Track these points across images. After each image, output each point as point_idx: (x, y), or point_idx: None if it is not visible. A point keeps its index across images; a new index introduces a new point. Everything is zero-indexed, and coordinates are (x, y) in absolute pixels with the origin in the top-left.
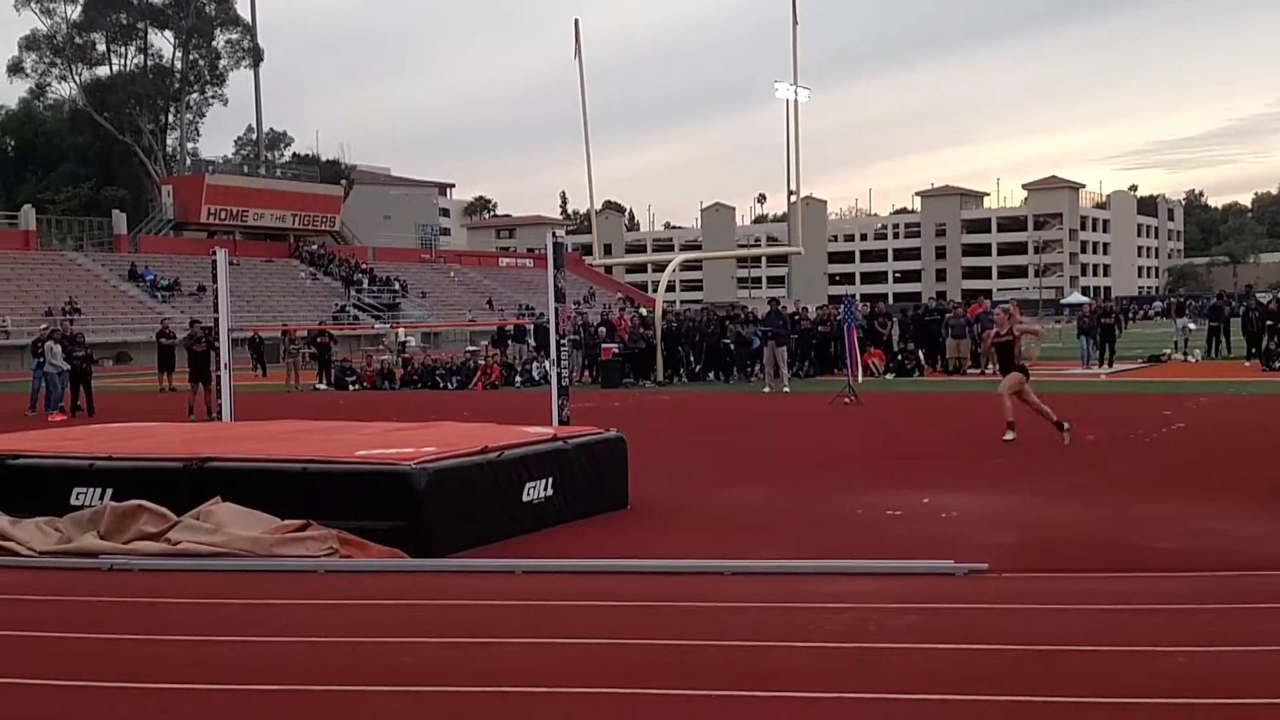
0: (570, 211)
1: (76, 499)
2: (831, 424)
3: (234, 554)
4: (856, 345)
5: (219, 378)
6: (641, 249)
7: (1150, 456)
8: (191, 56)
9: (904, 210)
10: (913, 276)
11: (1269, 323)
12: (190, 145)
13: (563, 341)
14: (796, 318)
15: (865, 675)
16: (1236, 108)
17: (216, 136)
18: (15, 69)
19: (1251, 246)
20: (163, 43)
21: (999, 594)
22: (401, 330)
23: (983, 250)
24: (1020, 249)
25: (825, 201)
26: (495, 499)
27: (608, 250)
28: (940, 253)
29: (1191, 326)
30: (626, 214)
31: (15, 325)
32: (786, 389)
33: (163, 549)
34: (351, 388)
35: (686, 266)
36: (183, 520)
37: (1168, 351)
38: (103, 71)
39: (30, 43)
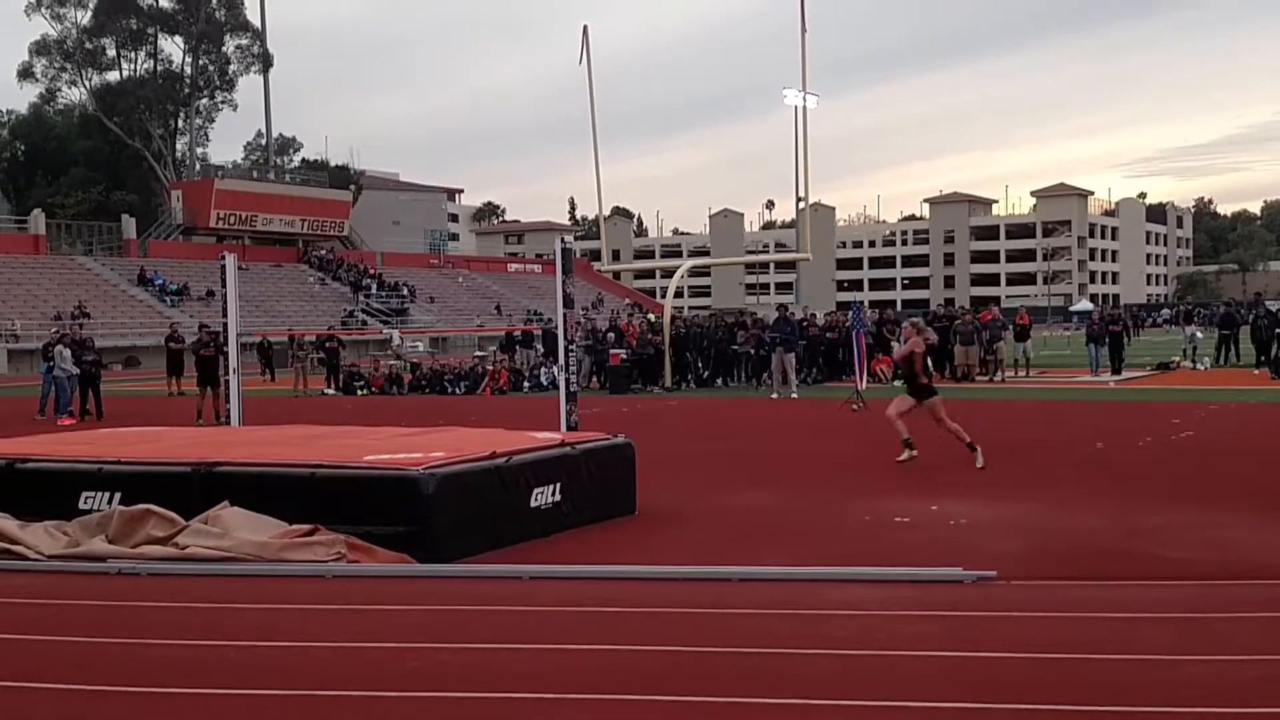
0: (579, 217)
1: (85, 503)
2: (839, 430)
3: (242, 559)
4: (865, 352)
5: (227, 382)
6: (650, 255)
7: (1159, 464)
8: (201, 62)
9: (912, 217)
10: (921, 283)
11: (1278, 331)
12: (200, 150)
13: (571, 346)
14: (804, 324)
15: (874, 682)
16: (1246, 115)
17: (226, 142)
18: (26, 74)
19: (1261, 254)
20: (173, 48)
21: (1008, 602)
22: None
23: (991, 257)
24: (1029, 256)
25: (834, 208)
26: (503, 504)
27: (616, 256)
28: (949, 260)
29: (1200, 334)
30: (635, 220)
31: (25, 329)
32: (794, 395)
33: (171, 553)
34: (360, 393)
35: (695, 272)
36: (191, 525)
37: (1176, 359)
38: (113, 76)
39: (41, 48)
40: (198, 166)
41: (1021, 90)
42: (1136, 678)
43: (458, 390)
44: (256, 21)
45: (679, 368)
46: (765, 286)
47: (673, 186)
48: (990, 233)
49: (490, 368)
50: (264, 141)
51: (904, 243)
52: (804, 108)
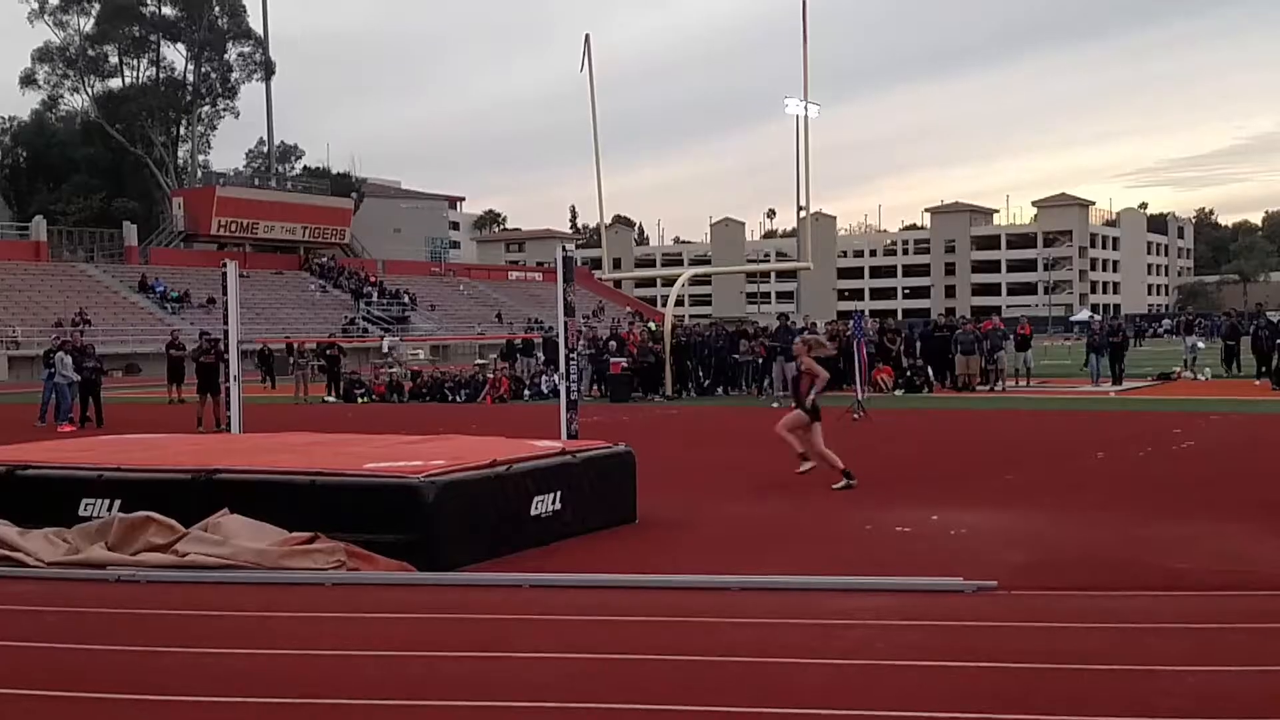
0: (580, 226)
1: (85, 510)
2: (840, 440)
3: (242, 566)
4: (866, 361)
5: (228, 389)
6: (651, 263)
7: (1160, 474)
8: (203, 69)
9: (913, 226)
10: (922, 293)
11: (1279, 341)
12: (201, 157)
13: (572, 355)
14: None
15: (874, 692)
16: (1247, 126)
17: (227, 149)
18: (28, 81)
19: (1262, 265)
20: (175, 55)
21: (1008, 612)
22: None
23: (992, 267)
24: (1030, 266)
25: (835, 217)
26: (504, 513)
27: (617, 264)
28: (950, 269)
29: (1201, 345)
30: (636, 228)
31: (26, 336)
32: None
33: (171, 560)
34: (360, 400)
35: (696, 281)
36: (191, 532)
37: (1177, 369)
38: (115, 84)
39: (43, 55)
40: (199, 174)
41: (1023, 100)
42: (1138, 688)
43: (458, 398)
44: (259, 29)
45: (680, 376)
46: (766, 295)
47: (674, 195)
48: (991, 242)
49: (491, 376)
50: (266, 149)
51: (905, 252)
52: (805, 117)
